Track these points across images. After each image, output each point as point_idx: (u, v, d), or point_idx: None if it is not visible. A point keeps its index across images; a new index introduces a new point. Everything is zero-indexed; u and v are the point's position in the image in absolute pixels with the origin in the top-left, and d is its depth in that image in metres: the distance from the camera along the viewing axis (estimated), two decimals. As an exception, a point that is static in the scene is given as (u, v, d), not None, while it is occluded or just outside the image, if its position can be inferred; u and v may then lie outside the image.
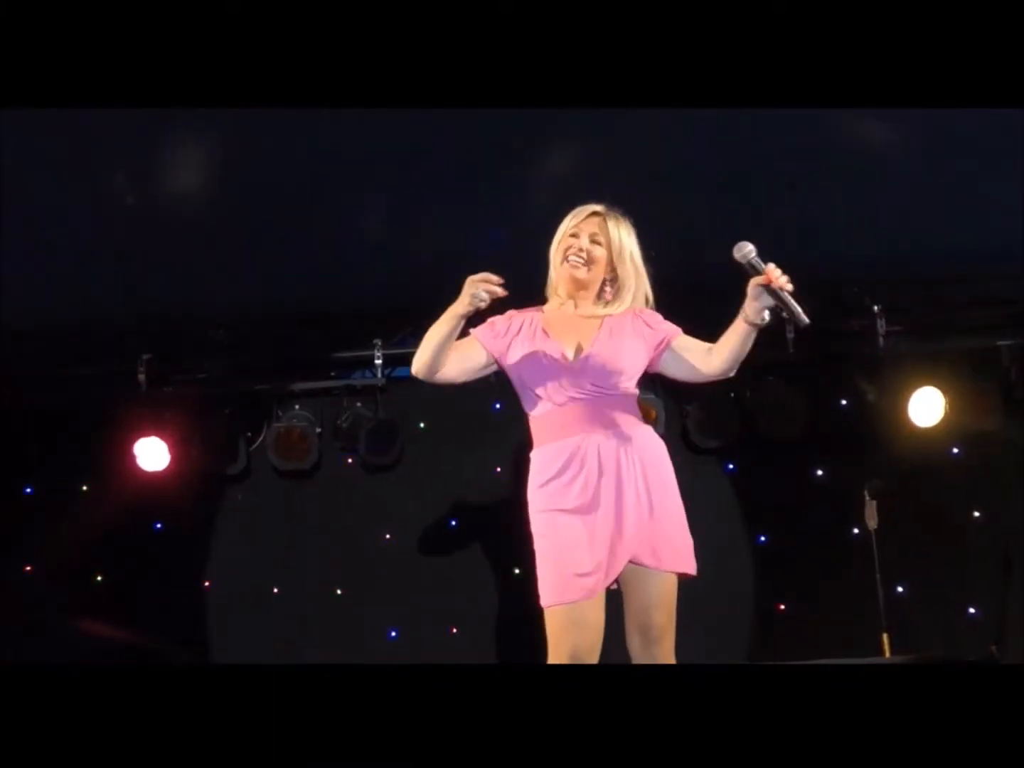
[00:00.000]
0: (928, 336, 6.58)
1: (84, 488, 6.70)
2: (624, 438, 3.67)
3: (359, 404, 6.78)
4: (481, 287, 3.49)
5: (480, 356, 3.79)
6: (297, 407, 6.81)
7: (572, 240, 3.80)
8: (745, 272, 3.52)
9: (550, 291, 3.90)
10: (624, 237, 3.82)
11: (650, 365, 3.80)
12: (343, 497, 6.88)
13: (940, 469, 6.59)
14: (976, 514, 6.59)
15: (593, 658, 3.62)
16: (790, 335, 6.40)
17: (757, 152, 5.34)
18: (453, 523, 6.70)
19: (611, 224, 3.81)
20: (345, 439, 6.77)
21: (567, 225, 3.84)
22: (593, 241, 3.79)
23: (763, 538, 6.77)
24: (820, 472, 6.72)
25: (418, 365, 3.69)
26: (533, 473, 3.74)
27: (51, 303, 5.78)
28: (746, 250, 3.52)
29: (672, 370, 3.81)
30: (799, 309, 3.49)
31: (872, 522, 5.92)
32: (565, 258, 3.79)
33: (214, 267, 5.83)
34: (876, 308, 6.39)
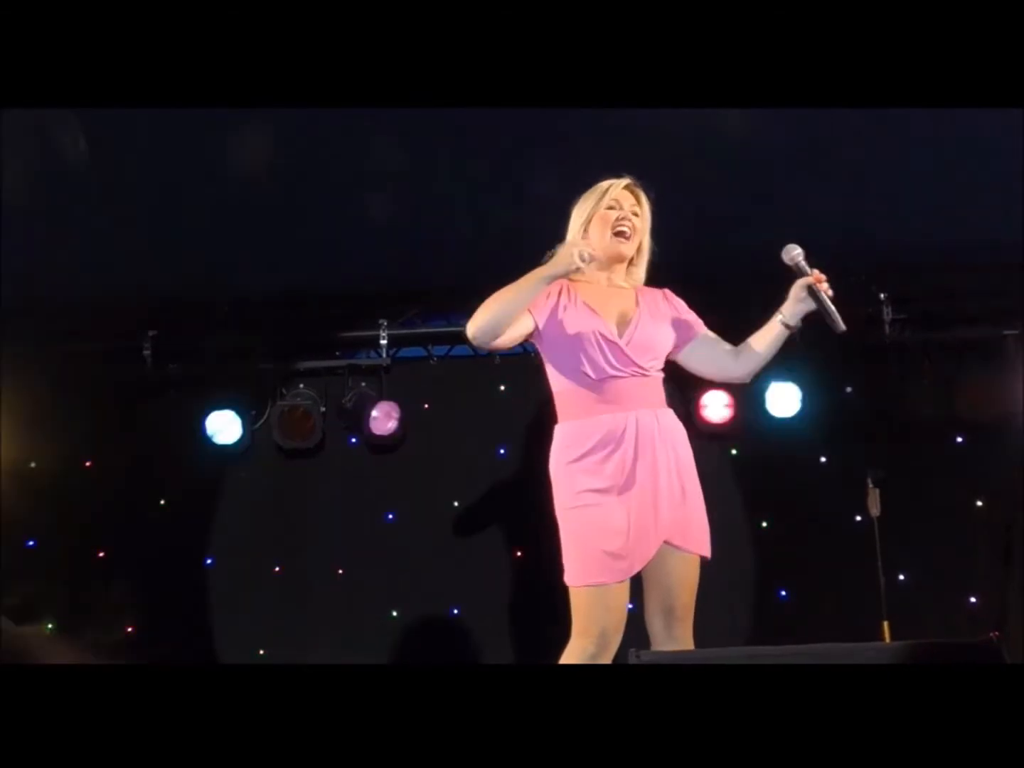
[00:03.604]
0: (934, 325, 6.58)
1: (87, 464, 6.71)
2: (657, 419, 3.68)
3: (364, 384, 6.78)
4: (583, 247, 3.52)
5: (527, 323, 3.73)
6: (301, 386, 6.81)
7: (613, 212, 3.77)
8: (793, 274, 3.60)
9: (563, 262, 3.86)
10: (650, 210, 3.84)
11: (672, 352, 3.81)
12: (346, 476, 6.88)
13: (943, 458, 6.58)
14: (979, 503, 6.58)
15: (618, 638, 3.63)
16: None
17: (764, 143, 5.33)
18: (456, 503, 6.71)
19: (642, 197, 3.82)
20: (349, 418, 6.77)
21: (603, 196, 3.80)
22: (634, 213, 3.80)
23: (765, 523, 6.78)
24: (824, 459, 6.71)
25: (482, 327, 3.62)
26: (562, 448, 3.70)
27: (56, 279, 5.78)
28: (794, 252, 3.59)
29: (692, 363, 3.83)
30: (837, 315, 3.54)
31: (875, 510, 5.91)
32: (613, 231, 3.77)
33: (221, 246, 5.83)
34: (882, 296, 6.39)
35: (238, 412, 6.68)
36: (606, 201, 3.79)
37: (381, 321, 6.55)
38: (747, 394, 6.64)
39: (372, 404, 6.63)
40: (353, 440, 6.88)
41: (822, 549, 6.48)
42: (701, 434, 6.75)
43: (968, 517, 6.53)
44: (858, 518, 6.28)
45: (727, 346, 3.81)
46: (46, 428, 6.45)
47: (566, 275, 3.59)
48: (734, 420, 6.67)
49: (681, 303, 3.86)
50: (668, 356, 3.82)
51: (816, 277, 3.58)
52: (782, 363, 6.47)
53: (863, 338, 6.50)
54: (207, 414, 6.63)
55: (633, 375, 3.67)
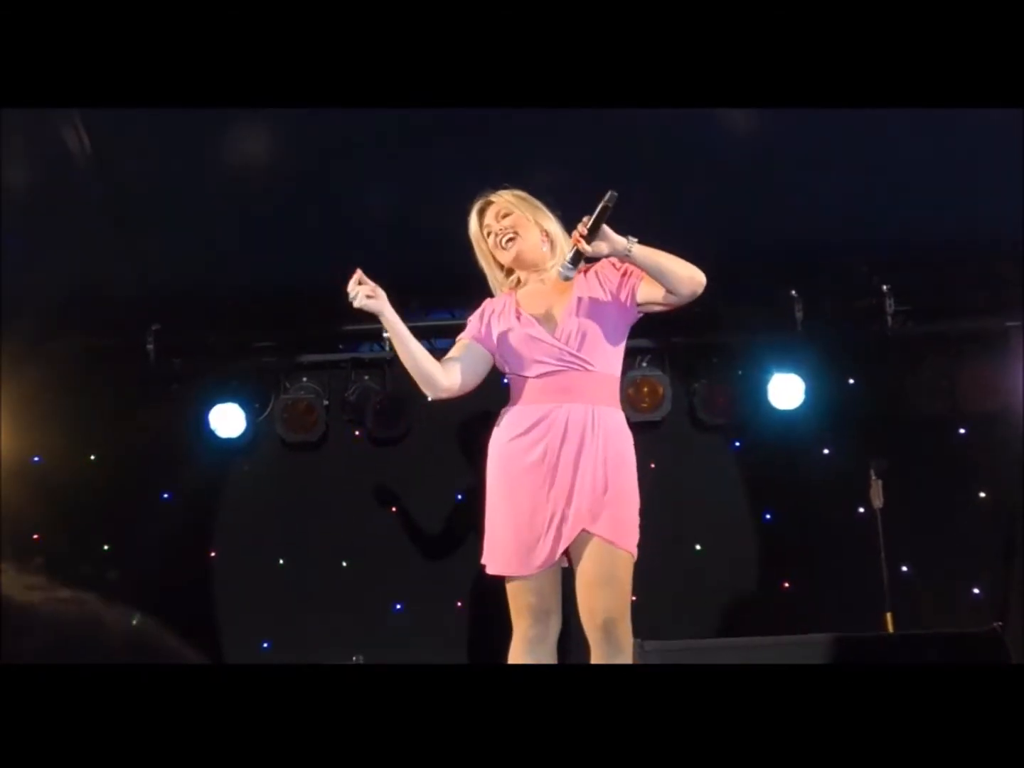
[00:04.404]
0: (936, 316, 6.57)
1: (92, 458, 6.72)
2: (592, 415, 3.67)
3: (367, 377, 6.79)
4: (353, 297, 3.63)
5: (470, 348, 3.83)
6: (305, 379, 6.82)
7: (491, 236, 3.85)
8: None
9: (501, 290, 3.94)
10: (523, 198, 3.86)
11: (629, 320, 3.80)
12: (349, 469, 6.89)
13: (946, 449, 6.59)
14: (982, 495, 6.59)
15: (555, 619, 3.67)
16: (799, 314, 6.40)
17: (767, 141, 5.33)
18: (459, 497, 6.71)
19: (502, 199, 3.85)
20: (352, 412, 6.78)
21: (475, 229, 3.88)
22: (503, 217, 3.83)
23: (768, 516, 6.79)
24: (826, 451, 6.72)
25: (433, 395, 3.76)
26: (499, 429, 3.75)
27: (59, 274, 5.78)
28: (563, 269, 3.57)
29: (653, 311, 3.80)
30: (603, 203, 3.45)
31: (878, 501, 5.91)
32: (498, 247, 3.83)
33: (223, 241, 5.83)
34: (885, 288, 6.38)
35: (242, 406, 6.69)
36: (484, 235, 3.88)
37: (384, 314, 6.54)
38: (750, 386, 6.65)
39: (375, 398, 6.64)
40: (356, 433, 6.89)
41: (825, 541, 6.49)
42: (703, 426, 6.78)
43: (971, 508, 6.53)
44: (861, 509, 6.28)
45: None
46: (50, 423, 6.46)
47: (375, 310, 3.65)
48: (733, 413, 6.69)
49: (612, 272, 3.77)
50: (637, 313, 3.80)
51: (580, 241, 3.50)
52: (785, 355, 6.53)
53: (866, 330, 6.50)
54: (211, 408, 6.64)
55: (572, 368, 3.68)
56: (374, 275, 5.77)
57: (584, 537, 3.62)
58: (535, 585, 3.65)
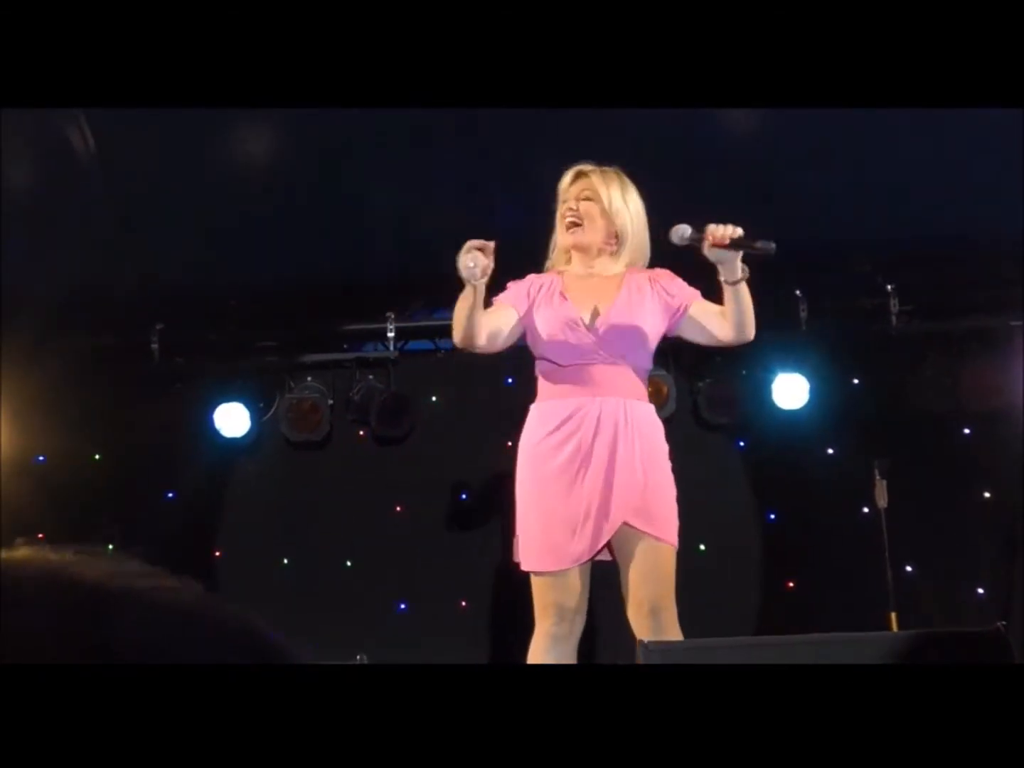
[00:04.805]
0: (941, 315, 6.57)
1: (96, 457, 6.73)
2: (624, 408, 3.67)
3: (371, 377, 6.78)
4: (467, 257, 3.45)
5: (510, 317, 3.79)
6: (309, 379, 6.82)
7: (564, 206, 3.82)
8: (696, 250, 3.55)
9: (556, 262, 3.91)
10: (616, 189, 3.81)
11: (667, 330, 3.80)
12: (354, 469, 6.89)
13: (950, 449, 6.57)
14: (986, 495, 6.58)
15: (581, 618, 3.69)
16: (803, 314, 6.40)
17: (769, 140, 5.33)
18: (464, 496, 6.71)
19: (597, 179, 3.81)
20: (357, 411, 6.78)
21: (564, 186, 3.85)
22: (584, 199, 3.79)
23: (772, 515, 6.78)
24: (831, 451, 6.71)
25: (456, 337, 3.70)
26: (530, 428, 3.77)
27: (63, 272, 5.79)
28: (681, 232, 3.53)
29: (690, 336, 3.81)
30: (760, 244, 3.46)
31: (882, 501, 5.90)
32: (565, 226, 3.80)
33: (228, 239, 5.84)
34: (889, 287, 6.38)
35: (246, 405, 6.69)
36: (561, 195, 3.85)
37: (388, 314, 6.55)
38: (754, 386, 6.64)
39: (379, 397, 6.64)
40: (361, 433, 6.89)
41: (829, 540, 6.48)
42: (707, 426, 6.77)
43: (975, 508, 6.52)
44: (865, 509, 6.27)
45: (716, 309, 3.72)
46: (54, 423, 6.46)
47: (472, 281, 3.49)
48: (737, 412, 6.68)
49: (671, 281, 3.80)
50: (667, 334, 3.80)
51: (712, 238, 3.47)
52: (789, 355, 6.53)
53: (870, 330, 6.50)
54: (215, 407, 6.65)
55: (604, 362, 3.67)
56: (375, 275, 5.82)
57: (627, 532, 3.61)
58: (564, 583, 3.64)
